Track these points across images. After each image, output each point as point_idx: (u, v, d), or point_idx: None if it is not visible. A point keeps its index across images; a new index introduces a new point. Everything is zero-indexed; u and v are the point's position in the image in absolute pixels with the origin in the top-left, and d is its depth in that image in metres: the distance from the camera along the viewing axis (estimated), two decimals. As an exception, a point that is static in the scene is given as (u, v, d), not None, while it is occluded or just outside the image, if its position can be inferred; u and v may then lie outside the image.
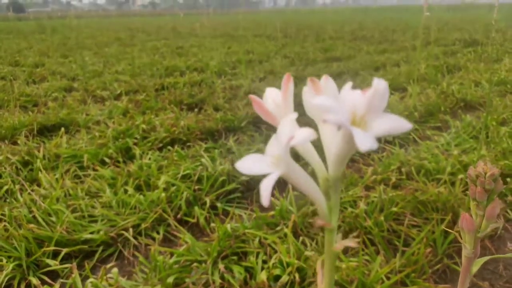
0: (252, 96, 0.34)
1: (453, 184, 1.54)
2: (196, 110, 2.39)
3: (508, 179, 1.54)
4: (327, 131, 0.34)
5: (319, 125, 0.34)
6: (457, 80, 3.12)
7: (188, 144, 1.95)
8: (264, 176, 0.29)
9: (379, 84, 0.27)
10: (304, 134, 0.29)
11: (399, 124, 0.27)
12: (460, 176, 1.55)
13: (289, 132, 0.29)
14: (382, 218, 1.33)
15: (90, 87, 2.76)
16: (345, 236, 1.29)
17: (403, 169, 1.65)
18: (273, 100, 0.35)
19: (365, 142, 0.25)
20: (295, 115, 0.32)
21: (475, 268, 0.43)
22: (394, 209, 1.38)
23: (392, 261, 1.17)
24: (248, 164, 0.31)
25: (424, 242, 1.25)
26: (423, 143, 1.86)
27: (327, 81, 0.34)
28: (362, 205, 1.40)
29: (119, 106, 2.28)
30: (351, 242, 0.33)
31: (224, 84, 3.00)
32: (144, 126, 2.03)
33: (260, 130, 2.10)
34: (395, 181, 1.58)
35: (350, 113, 0.28)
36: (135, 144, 1.89)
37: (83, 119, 2.13)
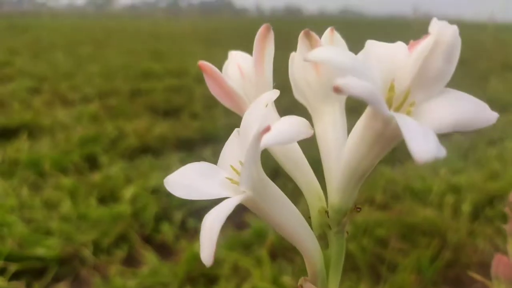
0: (202, 63, 0.22)
1: (440, 206, 1.46)
2: (172, 117, 2.27)
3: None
4: (331, 123, 0.21)
5: (316, 116, 0.22)
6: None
7: (161, 153, 1.83)
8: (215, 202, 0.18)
9: (444, 31, 0.17)
10: (288, 127, 0.18)
11: (477, 111, 0.16)
12: (448, 198, 1.47)
13: (261, 123, 0.17)
14: (366, 241, 1.24)
15: (59, 89, 2.60)
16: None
17: (388, 189, 1.56)
18: (239, 69, 0.23)
19: (424, 145, 0.14)
20: (275, 93, 0.20)
21: None
22: (380, 231, 1.29)
23: (376, 290, 1.08)
24: (187, 180, 0.20)
25: (409, 268, 1.16)
26: (409, 162, 1.78)
27: (333, 36, 0.22)
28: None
29: (89, 111, 2.15)
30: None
31: (204, 91, 2.89)
32: (114, 132, 1.90)
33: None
34: (381, 201, 1.48)
35: (384, 84, 0.17)
36: (103, 151, 1.76)
37: (48, 123, 1.99)
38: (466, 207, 1.42)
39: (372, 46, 0.18)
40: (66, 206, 1.38)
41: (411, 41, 0.17)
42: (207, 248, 0.16)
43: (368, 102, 0.15)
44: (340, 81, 0.14)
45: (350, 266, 1.19)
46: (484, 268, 1.28)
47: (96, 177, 1.52)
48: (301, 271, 1.13)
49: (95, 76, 3.26)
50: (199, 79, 3.51)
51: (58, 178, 1.54)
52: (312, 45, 0.20)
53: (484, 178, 1.60)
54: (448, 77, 0.17)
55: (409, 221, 1.35)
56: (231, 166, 0.20)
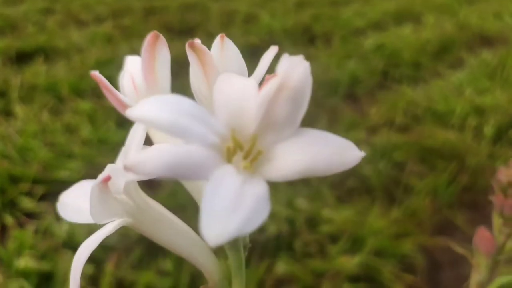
0: (94, 75, 0.21)
1: (462, 128, 1.42)
2: (187, 37, 2.20)
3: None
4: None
5: None
6: (476, 11, 2.86)
7: (177, 75, 1.80)
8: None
9: (290, 73, 0.15)
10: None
11: (335, 153, 0.15)
12: (471, 120, 1.43)
13: (138, 146, 0.17)
14: (382, 165, 1.23)
15: (72, 8, 2.54)
16: (340, 184, 1.19)
17: (410, 111, 1.52)
18: (132, 80, 0.21)
19: (218, 225, 0.13)
20: None
21: None
22: (397, 155, 1.28)
23: (389, 212, 1.09)
24: (78, 202, 0.19)
25: (425, 191, 1.17)
26: (434, 81, 1.72)
27: (223, 44, 0.21)
28: (362, 150, 1.30)
29: (103, 31, 2.10)
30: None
31: (220, 8, 2.77)
32: (129, 54, 1.86)
33: (257, 60, 1.94)
34: (401, 124, 1.46)
35: (230, 131, 0.16)
36: (119, 74, 1.74)
37: (63, 45, 1.96)
38: (488, 130, 1.38)
39: (222, 83, 0.16)
40: (86, 130, 1.40)
41: (266, 76, 0.15)
42: (72, 284, 0.17)
43: (174, 177, 0.14)
44: (129, 160, 0.13)
45: (365, 189, 1.20)
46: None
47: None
48: (317, 193, 1.14)
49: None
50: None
51: (76, 102, 1.55)
52: (200, 59, 0.19)
53: (510, 99, 1.54)
54: (297, 121, 0.16)
55: (429, 144, 1.33)
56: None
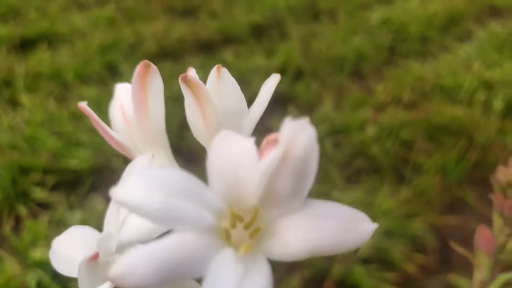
0: (81, 106, 0.20)
1: (470, 104, 1.40)
2: (190, 17, 2.17)
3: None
4: None
5: None
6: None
7: (181, 57, 1.79)
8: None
9: (295, 140, 0.13)
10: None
11: (346, 229, 0.14)
12: (479, 94, 1.41)
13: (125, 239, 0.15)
14: (390, 144, 1.23)
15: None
16: (348, 165, 1.19)
17: (417, 87, 1.50)
18: (122, 111, 0.20)
19: None
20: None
21: None
22: (405, 133, 1.27)
23: (398, 191, 1.09)
24: (69, 253, 0.18)
25: (433, 170, 1.17)
26: (442, 56, 1.68)
27: (220, 76, 0.19)
28: (369, 129, 1.29)
29: (105, 14, 2.08)
30: None
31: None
32: (132, 37, 1.85)
33: (262, 41, 1.92)
34: (408, 100, 1.44)
35: (228, 203, 0.14)
36: (123, 58, 1.73)
37: (66, 30, 1.94)
38: (497, 104, 1.36)
39: (218, 146, 0.14)
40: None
41: (268, 137, 0.14)
42: None
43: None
44: (113, 272, 0.12)
45: (373, 168, 1.20)
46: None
47: (118, 87, 1.52)
48: (325, 175, 1.14)
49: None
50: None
51: (81, 89, 1.55)
52: (194, 93, 0.18)
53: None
54: (304, 194, 0.14)
55: (436, 120, 1.32)
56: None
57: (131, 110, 0.20)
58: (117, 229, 0.17)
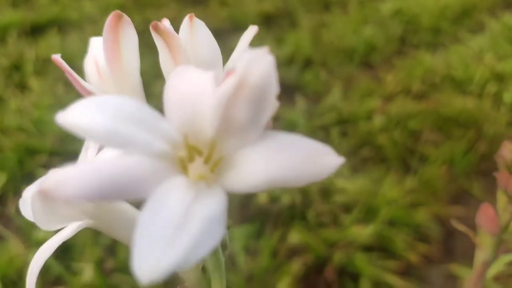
0: (54, 58, 0.20)
1: (481, 96, 1.38)
2: (200, 5, 2.17)
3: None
4: None
5: None
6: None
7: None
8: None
9: (253, 65, 0.13)
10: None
11: (307, 161, 0.13)
12: (490, 86, 1.39)
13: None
14: (397, 134, 1.21)
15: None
16: (354, 154, 1.18)
17: (427, 78, 1.48)
18: (95, 64, 0.19)
19: (151, 259, 0.11)
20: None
21: (493, 272, 0.31)
22: (413, 123, 1.26)
23: (404, 181, 1.08)
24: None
25: (440, 160, 1.15)
26: (453, 47, 1.66)
27: (193, 26, 0.19)
28: (377, 119, 1.28)
29: (115, 1, 2.08)
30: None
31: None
32: (142, 25, 1.85)
33: (272, 30, 1.91)
34: (418, 91, 1.42)
35: (184, 135, 0.14)
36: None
37: (76, 17, 1.95)
38: (508, 97, 1.34)
39: (175, 78, 0.14)
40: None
41: (227, 71, 0.14)
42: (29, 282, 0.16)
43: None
44: (45, 183, 0.11)
45: (379, 158, 1.19)
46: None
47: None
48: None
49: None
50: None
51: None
52: (167, 43, 0.17)
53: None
54: (261, 124, 0.13)
55: (446, 112, 1.30)
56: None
57: (104, 63, 0.19)
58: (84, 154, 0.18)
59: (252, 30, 0.21)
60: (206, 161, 0.14)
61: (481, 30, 1.79)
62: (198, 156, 0.14)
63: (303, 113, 1.32)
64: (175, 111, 0.14)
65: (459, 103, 1.32)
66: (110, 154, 0.14)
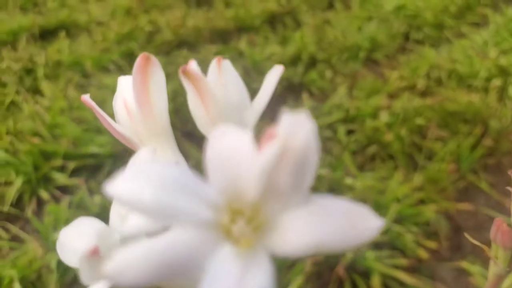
0: (84, 99, 0.20)
1: (486, 91, 1.39)
2: (205, 6, 2.19)
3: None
4: None
5: None
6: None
7: (196, 46, 1.81)
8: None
9: (295, 131, 0.13)
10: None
11: (350, 226, 0.13)
12: (495, 81, 1.40)
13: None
14: (404, 131, 1.23)
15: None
16: (361, 152, 1.20)
17: (432, 74, 1.49)
18: (125, 105, 0.20)
19: None
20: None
21: (507, 284, 0.32)
22: (419, 120, 1.27)
23: (411, 178, 1.10)
24: (76, 243, 0.18)
25: (447, 156, 1.17)
26: (457, 42, 1.67)
27: (221, 67, 0.19)
28: (383, 116, 1.29)
29: (122, 4, 2.10)
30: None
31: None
32: (149, 26, 1.87)
33: (276, 29, 1.92)
34: (423, 87, 1.44)
35: (228, 197, 0.14)
36: (140, 47, 1.76)
37: (84, 20, 1.98)
38: (513, 91, 1.35)
39: (215, 140, 0.14)
40: (111, 105, 1.43)
41: (268, 130, 0.13)
42: None
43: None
44: (106, 270, 0.11)
45: (386, 155, 1.21)
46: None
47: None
48: (338, 161, 1.15)
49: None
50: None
51: (100, 77, 1.58)
52: (195, 86, 0.18)
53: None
54: (305, 189, 0.14)
55: (451, 107, 1.31)
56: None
57: (133, 103, 0.20)
58: (120, 222, 0.17)
59: (277, 71, 0.20)
60: (249, 222, 0.14)
61: (485, 24, 1.80)
62: (240, 217, 0.14)
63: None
64: (217, 176, 0.14)
65: (464, 98, 1.33)
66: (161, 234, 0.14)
